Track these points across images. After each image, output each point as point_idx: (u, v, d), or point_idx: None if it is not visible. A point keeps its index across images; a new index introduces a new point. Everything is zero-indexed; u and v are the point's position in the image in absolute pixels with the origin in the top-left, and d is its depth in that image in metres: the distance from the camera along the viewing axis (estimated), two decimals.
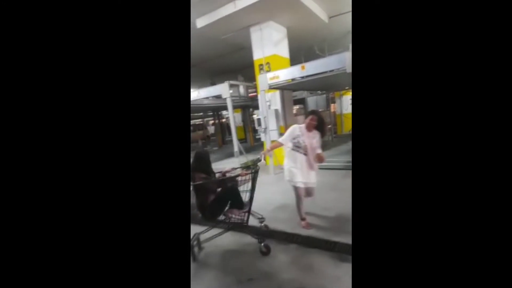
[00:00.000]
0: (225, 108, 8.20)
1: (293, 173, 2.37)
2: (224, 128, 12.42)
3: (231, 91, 5.43)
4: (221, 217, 2.11)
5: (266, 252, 2.09)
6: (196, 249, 2.22)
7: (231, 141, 5.82)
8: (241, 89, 9.77)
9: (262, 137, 5.37)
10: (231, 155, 6.07)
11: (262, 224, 2.43)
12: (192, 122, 15.66)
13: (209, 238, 2.25)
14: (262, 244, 2.10)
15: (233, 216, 2.10)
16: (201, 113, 13.04)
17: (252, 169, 2.15)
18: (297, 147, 2.36)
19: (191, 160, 2.15)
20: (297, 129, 2.41)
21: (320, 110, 7.63)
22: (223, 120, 13.81)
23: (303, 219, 2.44)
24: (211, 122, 15.40)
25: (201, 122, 15.45)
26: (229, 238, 2.41)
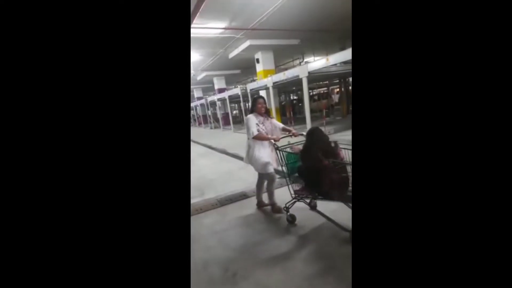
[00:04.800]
0: None
1: (267, 162, 2.50)
2: (349, 96, 11.58)
3: None
4: None
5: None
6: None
7: None
8: None
9: None
10: None
11: None
12: (316, 91, 15.53)
13: None
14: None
15: None
16: (327, 82, 12.62)
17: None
18: None
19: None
20: (254, 118, 2.48)
21: None
22: (350, 87, 12.81)
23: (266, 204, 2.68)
24: (336, 90, 14.66)
25: (326, 91, 15.04)
26: None
